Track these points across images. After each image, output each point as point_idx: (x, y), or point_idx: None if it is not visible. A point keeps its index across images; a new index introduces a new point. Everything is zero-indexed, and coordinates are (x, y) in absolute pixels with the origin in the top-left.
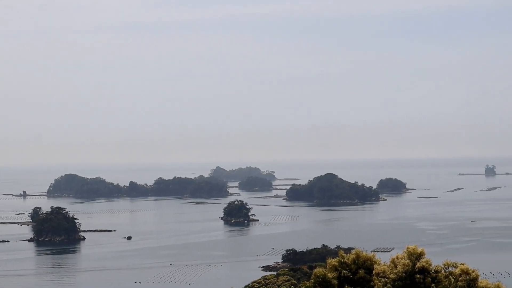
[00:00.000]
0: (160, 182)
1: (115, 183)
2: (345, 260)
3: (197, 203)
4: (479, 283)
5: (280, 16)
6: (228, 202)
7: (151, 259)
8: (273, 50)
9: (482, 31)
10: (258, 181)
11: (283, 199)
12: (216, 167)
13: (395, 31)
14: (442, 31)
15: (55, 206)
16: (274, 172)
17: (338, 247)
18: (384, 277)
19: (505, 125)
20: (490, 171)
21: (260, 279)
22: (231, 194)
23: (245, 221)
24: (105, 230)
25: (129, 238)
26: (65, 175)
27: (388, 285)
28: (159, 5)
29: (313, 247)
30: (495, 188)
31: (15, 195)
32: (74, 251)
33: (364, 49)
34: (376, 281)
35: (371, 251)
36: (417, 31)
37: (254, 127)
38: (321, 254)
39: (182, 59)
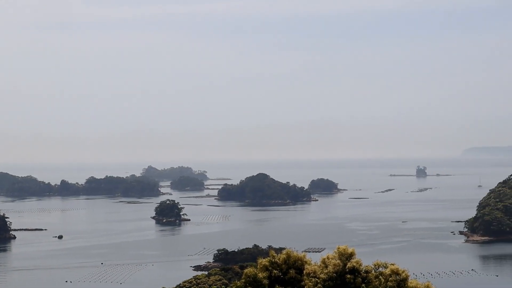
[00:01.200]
0: (91, 181)
1: (46, 182)
2: (276, 260)
3: (128, 202)
4: (409, 284)
5: (215, 16)
6: (159, 202)
7: (82, 259)
8: (208, 50)
9: (417, 34)
10: (190, 180)
11: (215, 199)
12: (148, 167)
13: (331, 32)
14: (378, 33)
15: None
16: (206, 172)
17: (270, 247)
18: (315, 277)
19: (435, 127)
20: (421, 172)
21: (191, 279)
22: (163, 194)
23: (177, 221)
24: (36, 229)
25: (60, 237)
26: None
27: (319, 285)
28: (92, 3)
29: (244, 247)
30: (426, 189)
31: None
32: (4, 250)
33: (300, 50)
34: (306, 281)
35: (302, 251)
36: (354, 32)
37: (187, 127)
38: (252, 254)
39: (112, 56)
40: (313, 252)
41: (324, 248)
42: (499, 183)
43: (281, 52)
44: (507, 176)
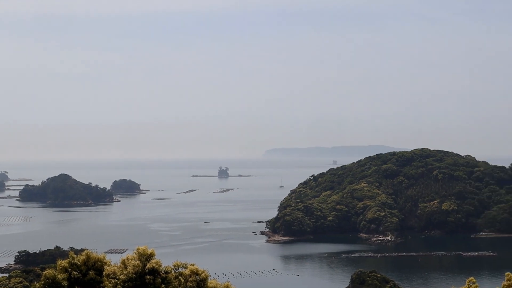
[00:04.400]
0: None
1: None
2: (75, 261)
3: None
4: (208, 284)
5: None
6: None
7: None
8: None
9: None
10: None
11: (16, 199)
12: None
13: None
14: (170, 34)
15: None
16: (7, 172)
17: (72, 248)
18: (115, 278)
19: (237, 129)
20: (223, 173)
21: None
22: None
23: None
24: None
25: None
26: None
27: (118, 286)
28: None
29: (46, 249)
30: (228, 189)
31: None
32: None
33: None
34: (106, 282)
35: (104, 252)
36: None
37: None
38: (54, 255)
39: None
40: (115, 253)
41: (127, 249)
42: (300, 183)
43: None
44: (307, 177)
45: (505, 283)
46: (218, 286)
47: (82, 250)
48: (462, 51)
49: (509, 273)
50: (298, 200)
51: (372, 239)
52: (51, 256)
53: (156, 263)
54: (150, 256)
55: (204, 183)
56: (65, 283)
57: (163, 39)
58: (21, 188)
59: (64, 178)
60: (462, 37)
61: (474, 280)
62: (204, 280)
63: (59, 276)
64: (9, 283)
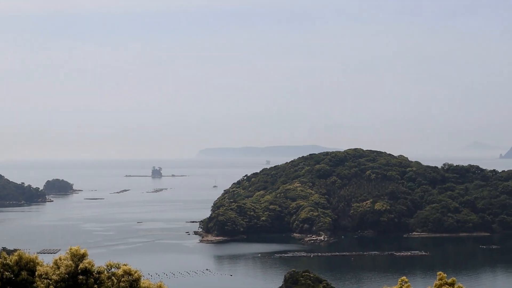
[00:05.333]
0: None
1: None
2: (7, 261)
3: None
4: (141, 284)
5: None
6: None
7: None
8: None
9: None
10: None
11: None
12: None
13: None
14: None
15: None
16: None
17: (4, 249)
18: (47, 278)
19: (170, 128)
20: (156, 173)
21: None
22: None
23: None
24: None
25: None
26: None
27: (51, 286)
28: None
29: None
30: (161, 189)
31: None
32: None
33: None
34: (39, 282)
35: (37, 253)
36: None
37: None
38: None
39: None
40: (47, 253)
41: (59, 249)
42: (233, 183)
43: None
44: (240, 177)
45: (437, 282)
46: (151, 286)
47: (15, 250)
48: (394, 51)
49: (441, 272)
50: (232, 200)
51: (305, 239)
52: None
53: (89, 263)
54: (83, 256)
55: (138, 183)
56: None
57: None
58: None
59: None
60: (395, 38)
61: (407, 280)
62: (137, 280)
63: None
64: None
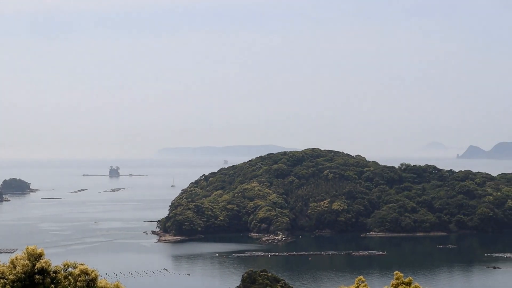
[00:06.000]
0: None
1: None
2: None
3: None
4: (98, 284)
5: None
6: None
7: None
8: None
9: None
10: None
11: None
12: None
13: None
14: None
15: None
16: None
17: None
18: (4, 278)
19: (129, 128)
20: (114, 172)
21: None
22: None
23: None
24: None
25: None
26: None
27: (7, 286)
28: None
29: None
30: (119, 189)
31: None
32: None
33: None
34: None
35: None
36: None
37: None
38: None
39: None
40: (4, 253)
41: (16, 249)
42: (191, 183)
43: None
44: (198, 177)
45: (394, 281)
46: (108, 286)
47: None
48: (351, 51)
49: (398, 272)
50: (189, 200)
51: (263, 239)
52: None
53: (46, 262)
54: (40, 256)
55: (95, 182)
56: None
57: None
58: None
59: None
60: (352, 38)
61: (364, 279)
62: (94, 279)
63: None
64: None
